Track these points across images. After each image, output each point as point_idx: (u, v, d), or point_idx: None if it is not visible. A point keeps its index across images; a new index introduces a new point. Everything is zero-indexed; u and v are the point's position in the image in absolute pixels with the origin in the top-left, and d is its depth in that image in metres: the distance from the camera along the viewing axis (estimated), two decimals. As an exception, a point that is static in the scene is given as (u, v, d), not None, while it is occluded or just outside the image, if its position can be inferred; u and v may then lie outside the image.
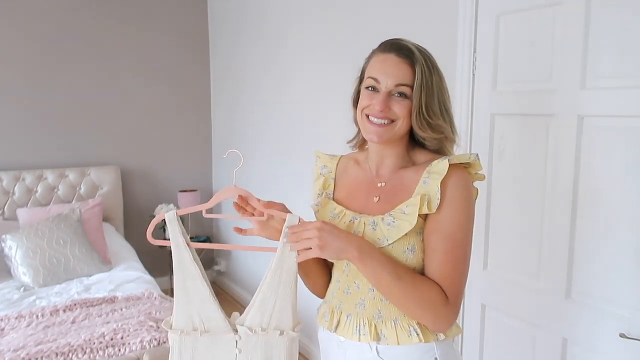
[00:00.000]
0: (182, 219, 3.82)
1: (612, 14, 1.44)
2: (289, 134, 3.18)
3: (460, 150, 1.20)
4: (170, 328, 1.15)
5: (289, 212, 1.16)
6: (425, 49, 1.13)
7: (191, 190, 3.95)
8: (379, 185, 1.18)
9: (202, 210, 1.20)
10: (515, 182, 1.77)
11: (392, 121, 1.10)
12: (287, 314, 1.11)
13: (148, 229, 1.17)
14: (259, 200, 1.14)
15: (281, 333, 1.11)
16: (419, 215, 1.07)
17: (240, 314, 1.15)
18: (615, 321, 1.47)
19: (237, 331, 1.13)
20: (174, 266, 1.14)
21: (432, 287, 1.07)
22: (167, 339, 2.07)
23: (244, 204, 1.15)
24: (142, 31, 3.88)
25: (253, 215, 1.15)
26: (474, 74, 1.85)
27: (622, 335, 1.44)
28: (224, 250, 4.28)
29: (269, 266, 1.11)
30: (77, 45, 3.66)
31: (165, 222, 1.13)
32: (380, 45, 1.15)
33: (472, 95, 1.87)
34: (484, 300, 1.88)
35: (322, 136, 2.80)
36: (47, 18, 3.54)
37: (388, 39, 1.16)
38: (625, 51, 1.41)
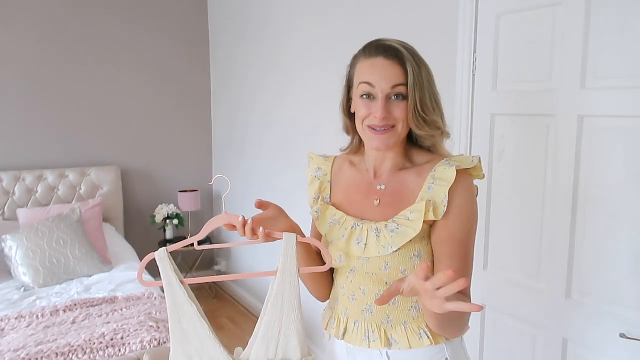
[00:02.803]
0: (183, 219, 3.83)
1: (612, 14, 1.44)
2: (289, 136, 3.18)
3: (453, 146, 1.20)
4: None
5: (282, 211, 1.13)
6: (408, 44, 1.09)
7: (191, 190, 3.94)
8: (379, 187, 1.15)
9: (195, 239, 1.13)
10: (515, 182, 1.77)
11: (393, 126, 1.08)
12: (293, 342, 1.06)
13: (138, 271, 1.10)
14: (251, 219, 1.07)
15: None
16: (423, 221, 1.06)
17: (243, 348, 1.09)
18: (615, 321, 1.47)
19: None
20: (167, 307, 1.07)
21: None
22: (168, 339, 2.07)
23: (234, 230, 1.09)
24: (143, 32, 3.88)
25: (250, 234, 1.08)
26: (474, 74, 1.85)
27: (622, 335, 1.44)
28: (224, 250, 4.28)
29: (268, 294, 1.06)
30: (77, 46, 3.66)
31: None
32: (363, 49, 1.11)
33: (472, 95, 1.87)
34: (484, 300, 1.88)
35: (323, 139, 2.80)
36: (48, 19, 3.54)
37: (369, 41, 1.12)
38: (625, 51, 1.41)
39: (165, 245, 1.13)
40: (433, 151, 1.15)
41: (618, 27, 1.43)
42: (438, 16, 2.00)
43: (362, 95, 1.09)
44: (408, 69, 1.05)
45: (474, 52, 1.84)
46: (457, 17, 1.88)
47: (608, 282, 1.50)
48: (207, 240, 3.97)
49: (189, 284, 1.09)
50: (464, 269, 1.06)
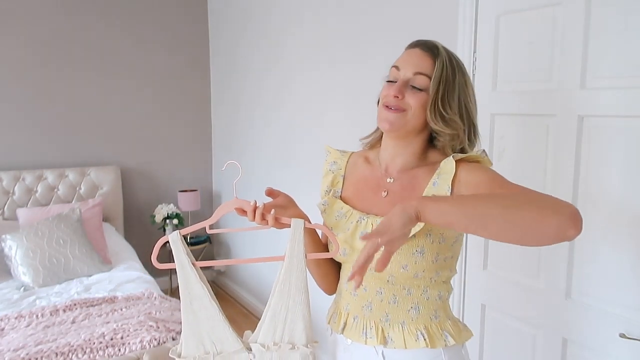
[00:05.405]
0: (183, 219, 3.83)
1: (612, 14, 1.44)
2: (290, 135, 3.18)
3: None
4: (179, 357, 1.10)
5: (292, 200, 1.16)
6: (455, 54, 1.13)
7: (191, 190, 3.95)
8: (388, 180, 1.16)
9: (206, 226, 1.16)
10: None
11: (404, 110, 1.09)
12: (299, 326, 1.08)
13: (153, 254, 1.12)
14: (262, 204, 1.10)
15: (292, 347, 1.08)
16: None
17: (252, 332, 1.12)
18: (615, 321, 1.47)
19: (250, 349, 1.09)
20: (180, 289, 1.11)
21: (522, 189, 0.95)
22: (168, 339, 2.07)
23: (244, 215, 1.11)
24: (143, 32, 3.88)
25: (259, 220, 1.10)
26: (474, 74, 1.85)
27: (622, 335, 1.44)
28: (224, 250, 4.28)
29: (276, 278, 1.09)
30: (77, 46, 3.66)
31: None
32: (409, 44, 1.16)
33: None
34: (484, 300, 1.88)
35: (323, 137, 2.80)
36: (48, 20, 3.54)
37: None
38: (625, 51, 1.41)
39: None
40: (445, 153, 1.14)
41: (618, 27, 1.43)
42: (438, 16, 2.00)
43: (388, 81, 1.13)
44: (437, 63, 1.08)
45: (474, 52, 1.84)
46: (457, 17, 1.88)
47: (608, 282, 1.50)
48: (207, 238, 3.97)
49: (200, 267, 1.12)
50: (509, 186, 1.01)
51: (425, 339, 1.09)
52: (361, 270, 0.90)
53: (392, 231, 0.88)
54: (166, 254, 3.57)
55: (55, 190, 3.55)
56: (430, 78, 1.07)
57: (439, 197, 0.94)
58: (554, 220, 0.83)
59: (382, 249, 0.90)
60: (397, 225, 0.88)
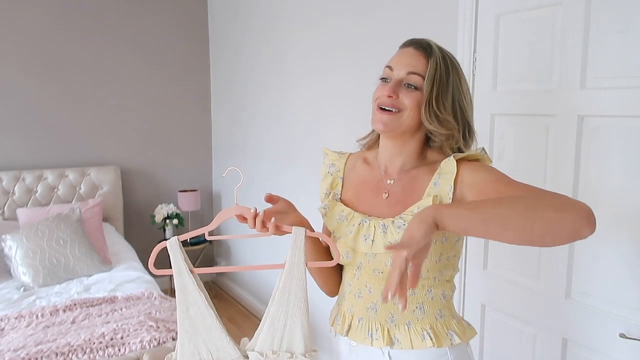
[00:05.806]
0: (183, 219, 3.83)
1: (612, 14, 1.44)
2: (289, 137, 3.18)
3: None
4: None
5: (292, 205, 1.15)
6: (449, 53, 1.12)
7: (191, 190, 3.95)
8: (388, 182, 1.16)
9: (205, 231, 1.15)
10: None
11: (399, 111, 1.08)
12: (297, 335, 1.07)
13: (150, 259, 1.11)
14: (263, 211, 1.09)
15: (291, 356, 1.07)
16: None
17: (250, 339, 1.10)
18: (615, 321, 1.47)
19: (247, 357, 1.08)
20: (176, 295, 1.09)
21: (532, 191, 0.94)
22: (168, 339, 2.07)
23: (245, 222, 1.10)
24: (143, 32, 3.88)
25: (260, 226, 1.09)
26: (474, 74, 1.85)
27: (622, 335, 1.44)
28: (224, 251, 4.28)
29: (275, 285, 1.08)
30: (76, 46, 3.66)
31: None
32: (402, 43, 1.15)
33: (472, 96, 1.86)
34: (484, 300, 1.88)
35: (325, 140, 2.80)
36: (48, 20, 3.54)
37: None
38: (625, 51, 1.41)
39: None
40: (445, 154, 1.14)
41: (618, 27, 1.43)
42: (438, 16, 2.00)
43: (381, 79, 1.13)
44: (431, 62, 1.07)
45: (474, 52, 1.84)
46: (457, 17, 1.88)
47: (608, 282, 1.50)
48: (206, 239, 3.96)
49: (198, 274, 1.11)
50: (518, 186, 1.00)
51: (431, 339, 1.09)
52: (402, 290, 0.87)
53: (416, 242, 0.88)
54: (165, 255, 3.57)
55: (55, 190, 3.55)
56: (423, 77, 1.07)
57: (453, 204, 0.94)
58: (569, 220, 0.85)
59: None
60: (419, 236, 0.88)
